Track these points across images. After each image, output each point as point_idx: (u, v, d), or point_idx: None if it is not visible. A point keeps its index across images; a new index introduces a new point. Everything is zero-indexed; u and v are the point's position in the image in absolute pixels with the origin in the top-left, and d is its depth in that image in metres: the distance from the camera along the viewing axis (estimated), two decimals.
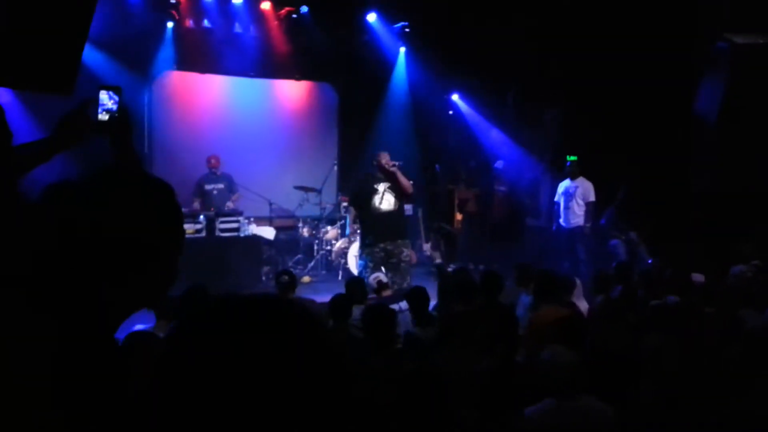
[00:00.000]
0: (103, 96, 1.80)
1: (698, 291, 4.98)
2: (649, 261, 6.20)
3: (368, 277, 6.24)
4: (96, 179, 1.11)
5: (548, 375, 2.92)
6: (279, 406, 0.70)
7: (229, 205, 8.66)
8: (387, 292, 5.70)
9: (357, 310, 4.73)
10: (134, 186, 1.13)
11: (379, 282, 5.84)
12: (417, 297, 4.68)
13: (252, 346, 0.71)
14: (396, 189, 6.78)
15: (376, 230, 6.73)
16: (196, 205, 8.54)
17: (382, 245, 6.67)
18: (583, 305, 5.21)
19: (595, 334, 3.80)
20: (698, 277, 5.33)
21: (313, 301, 5.43)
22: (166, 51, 9.40)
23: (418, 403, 2.55)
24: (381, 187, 6.77)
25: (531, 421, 2.89)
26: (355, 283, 5.34)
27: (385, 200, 6.76)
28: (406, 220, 7.22)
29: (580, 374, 2.96)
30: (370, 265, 6.61)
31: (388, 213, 6.75)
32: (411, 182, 6.99)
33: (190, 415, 0.69)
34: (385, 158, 6.81)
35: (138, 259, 1.09)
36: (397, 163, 6.86)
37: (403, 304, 5.16)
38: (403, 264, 6.76)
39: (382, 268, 6.53)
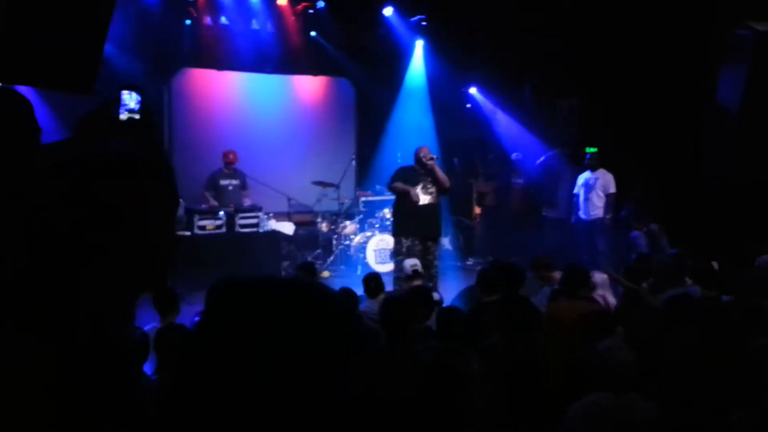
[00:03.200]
0: (126, 96, 1.82)
1: (722, 283, 4.91)
2: (672, 252, 6.13)
3: (402, 262, 6.26)
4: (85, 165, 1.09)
5: (607, 369, 2.89)
6: (310, 391, 0.69)
7: (246, 201, 8.72)
8: (417, 282, 5.68)
9: (371, 305, 4.74)
10: (121, 165, 1.10)
11: (416, 270, 5.80)
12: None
13: (285, 328, 0.70)
14: (435, 183, 6.86)
15: (414, 223, 6.76)
16: (211, 200, 8.58)
17: (419, 240, 6.69)
18: (611, 299, 5.16)
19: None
20: (714, 265, 5.25)
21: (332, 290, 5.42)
22: (184, 48, 9.47)
23: (436, 395, 2.56)
24: (423, 180, 6.85)
25: (578, 414, 2.86)
26: (371, 278, 5.34)
27: (427, 193, 6.83)
28: (442, 216, 7.22)
29: (633, 370, 2.94)
30: (404, 258, 6.55)
31: (429, 205, 6.82)
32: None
33: (219, 401, 0.68)
34: (423, 152, 6.91)
35: (125, 245, 1.07)
36: (434, 157, 6.93)
37: (434, 295, 5.16)
38: (436, 262, 6.79)
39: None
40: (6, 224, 1.04)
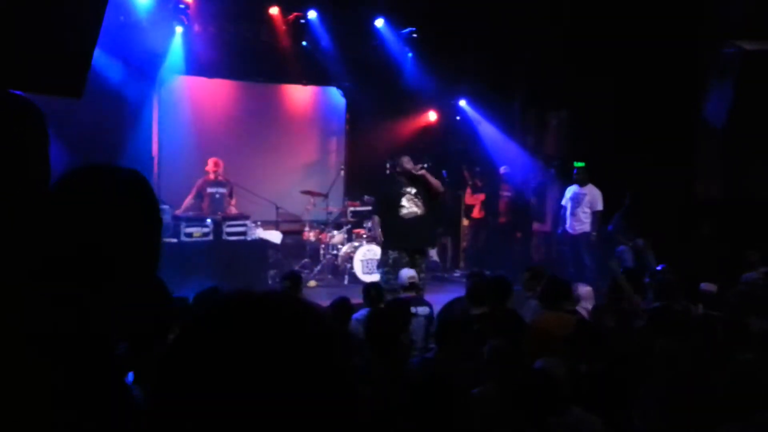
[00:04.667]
0: None
1: (710, 300, 4.94)
2: (658, 267, 6.16)
3: (387, 276, 6.25)
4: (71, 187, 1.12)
5: (540, 387, 2.89)
6: (289, 409, 0.66)
7: (231, 209, 8.67)
8: (411, 294, 5.65)
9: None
10: (108, 192, 1.13)
11: (413, 282, 5.73)
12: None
13: (264, 345, 0.68)
14: (424, 193, 6.71)
15: (400, 236, 6.64)
16: (189, 204, 8.51)
17: (406, 252, 6.61)
18: None
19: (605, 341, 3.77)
20: (710, 287, 5.25)
21: (318, 306, 5.40)
22: (175, 56, 9.44)
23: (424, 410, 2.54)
24: (407, 192, 6.71)
25: None
26: (372, 287, 5.33)
27: (413, 205, 6.69)
28: (433, 225, 7.08)
29: (571, 387, 2.94)
30: (389, 269, 6.54)
31: (417, 218, 6.68)
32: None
33: (195, 417, 0.66)
34: (409, 163, 6.73)
35: (116, 262, 1.09)
36: (424, 165, 6.81)
37: (421, 309, 5.15)
38: (423, 274, 6.72)
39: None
40: (13, 232, 1.05)
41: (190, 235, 7.94)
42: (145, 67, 9.11)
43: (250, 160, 9.96)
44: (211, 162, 8.72)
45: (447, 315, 4.81)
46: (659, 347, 3.73)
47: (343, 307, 4.64)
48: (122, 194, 1.15)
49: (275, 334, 0.69)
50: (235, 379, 0.66)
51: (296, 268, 8.97)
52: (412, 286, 5.69)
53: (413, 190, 6.71)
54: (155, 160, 9.54)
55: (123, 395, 1.16)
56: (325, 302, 5.92)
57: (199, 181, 8.72)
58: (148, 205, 1.17)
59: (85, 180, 1.15)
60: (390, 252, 6.67)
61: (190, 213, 8.34)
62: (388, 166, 9.49)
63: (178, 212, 8.33)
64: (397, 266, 6.50)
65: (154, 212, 1.19)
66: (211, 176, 8.72)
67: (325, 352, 0.71)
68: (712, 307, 4.80)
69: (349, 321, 4.61)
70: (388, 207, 6.76)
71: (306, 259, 9.46)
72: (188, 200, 8.58)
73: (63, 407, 0.99)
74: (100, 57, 7.80)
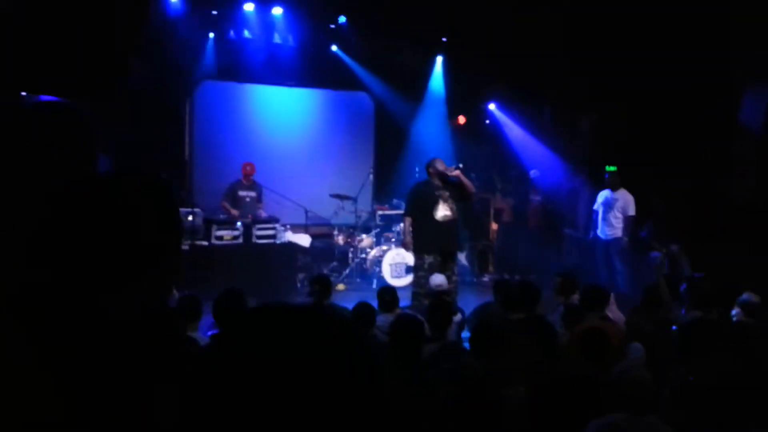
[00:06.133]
0: None
1: (753, 310, 4.79)
2: (696, 275, 6.02)
3: (422, 280, 6.27)
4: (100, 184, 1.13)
5: (625, 390, 2.85)
6: (318, 420, 0.67)
7: (261, 213, 8.75)
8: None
9: (386, 318, 4.71)
10: (132, 191, 1.14)
11: (440, 290, 5.69)
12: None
13: (296, 358, 0.69)
14: (456, 196, 6.77)
15: (435, 240, 6.66)
16: (231, 209, 8.61)
17: (439, 256, 6.63)
18: (619, 317, 5.09)
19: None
20: (752, 297, 5.07)
21: (345, 309, 5.39)
22: (207, 61, 9.56)
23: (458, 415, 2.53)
24: (442, 195, 6.73)
25: None
26: (386, 292, 5.30)
27: (447, 209, 6.71)
28: (459, 230, 7.14)
29: (651, 392, 2.90)
30: (425, 274, 6.50)
31: (450, 221, 6.72)
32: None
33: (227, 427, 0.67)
34: (442, 165, 6.80)
35: (139, 263, 1.10)
36: (459, 165, 6.86)
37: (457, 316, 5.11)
38: (455, 277, 6.70)
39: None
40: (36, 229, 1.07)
41: (220, 238, 8.02)
42: (178, 72, 9.24)
43: (280, 164, 10.04)
44: (247, 166, 8.85)
45: (482, 320, 4.77)
46: (709, 358, 3.64)
47: (365, 313, 4.57)
48: (143, 196, 1.15)
49: (299, 356, 0.70)
50: (261, 402, 0.67)
51: (325, 271, 9.00)
52: (440, 291, 5.66)
53: (447, 193, 6.73)
54: (188, 165, 9.66)
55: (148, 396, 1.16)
56: (352, 306, 5.91)
57: (232, 185, 8.82)
58: (168, 207, 1.18)
59: (107, 182, 1.16)
60: (426, 257, 6.66)
61: (222, 216, 8.43)
62: (417, 170, 9.48)
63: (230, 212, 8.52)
64: (433, 270, 6.49)
65: (173, 214, 1.19)
66: (243, 180, 8.83)
67: (354, 374, 0.72)
68: (755, 317, 4.67)
69: (372, 327, 4.56)
70: (423, 210, 6.76)
71: (335, 263, 9.48)
72: (228, 206, 8.66)
73: (84, 414, 0.99)
74: (134, 64, 7.94)
